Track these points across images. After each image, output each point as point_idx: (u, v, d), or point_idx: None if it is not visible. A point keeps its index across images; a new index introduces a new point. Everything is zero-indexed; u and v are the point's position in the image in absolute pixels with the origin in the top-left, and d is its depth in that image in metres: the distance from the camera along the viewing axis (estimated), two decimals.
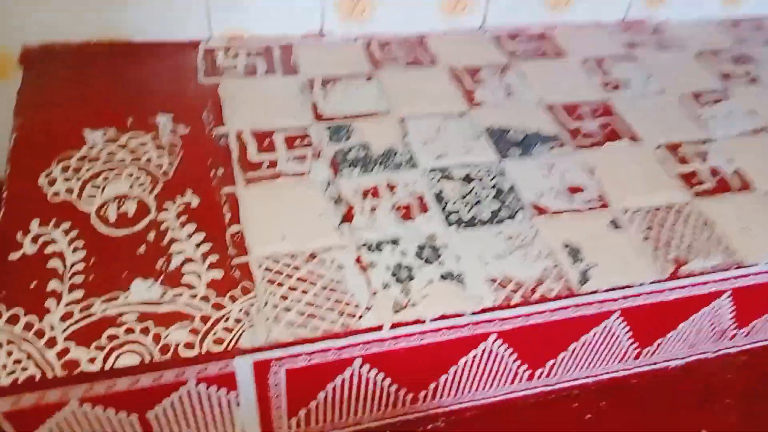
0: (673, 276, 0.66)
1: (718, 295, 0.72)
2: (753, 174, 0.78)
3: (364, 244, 0.64)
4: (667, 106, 0.88)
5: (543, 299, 0.62)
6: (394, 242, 0.65)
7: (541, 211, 0.70)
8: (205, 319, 0.55)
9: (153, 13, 0.84)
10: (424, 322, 0.59)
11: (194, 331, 0.54)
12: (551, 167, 0.76)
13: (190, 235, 0.62)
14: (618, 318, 0.69)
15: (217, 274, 0.59)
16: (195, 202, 0.66)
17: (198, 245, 0.61)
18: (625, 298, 0.66)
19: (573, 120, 0.83)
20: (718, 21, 1.08)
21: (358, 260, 0.63)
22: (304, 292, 0.59)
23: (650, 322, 0.72)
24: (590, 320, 0.67)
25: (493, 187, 0.73)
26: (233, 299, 0.57)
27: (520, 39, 0.97)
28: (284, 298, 0.58)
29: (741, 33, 1.06)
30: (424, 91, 0.85)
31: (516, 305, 0.62)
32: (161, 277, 0.58)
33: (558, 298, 0.63)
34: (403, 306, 0.59)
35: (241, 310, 0.57)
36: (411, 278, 0.62)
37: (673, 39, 1.02)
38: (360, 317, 0.58)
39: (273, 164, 0.71)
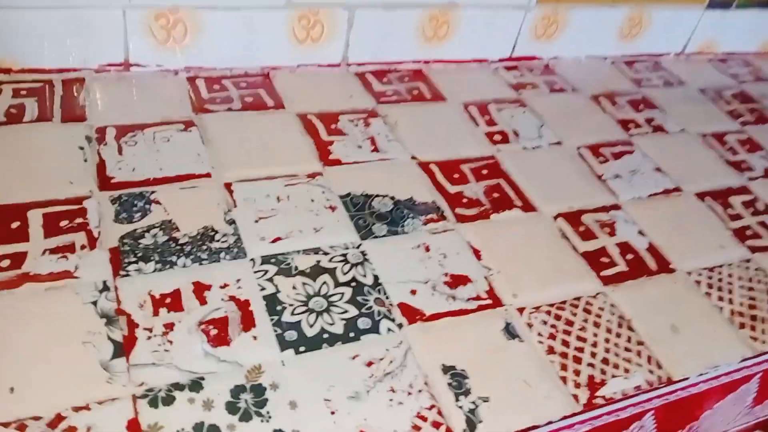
0: (589, 405, 0.49)
1: (639, 416, 0.55)
2: (669, 250, 0.64)
3: (146, 394, 0.42)
4: (564, 162, 0.72)
5: None
6: (195, 386, 0.43)
7: (413, 314, 0.51)
8: None
9: None
10: None
11: None
12: (427, 249, 0.57)
13: None
14: None
15: None
16: None
17: None
18: None
19: (453, 183, 0.65)
20: (612, 59, 0.96)
21: (131, 425, 0.40)
22: None
23: None
24: None
25: (351, 282, 0.53)
26: None
27: (389, 78, 0.79)
28: None
29: (638, 73, 0.94)
30: (264, 145, 0.64)
31: None
32: None
33: None
34: None
35: None
36: None
37: (565, 79, 0.88)
38: None
39: (19, 260, 0.48)
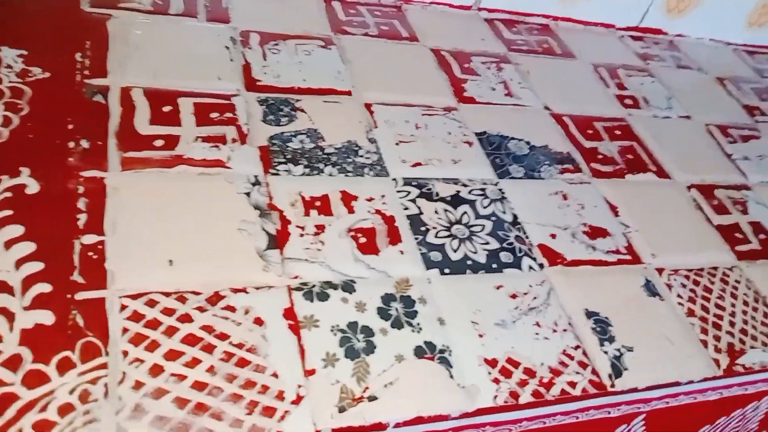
0: (729, 371, 0.47)
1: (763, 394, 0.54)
2: None
3: (301, 287, 0.41)
4: (694, 135, 0.70)
5: (564, 398, 0.41)
6: (348, 287, 0.42)
7: (553, 257, 0.50)
8: (6, 401, 0.31)
9: None
10: (386, 427, 0.37)
11: None
12: (564, 197, 0.56)
13: (9, 243, 0.37)
14: (641, 423, 0.49)
15: (44, 318, 0.34)
16: (33, 187, 0.40)
17: (20, 262, 0.36)
18: (663, 398, 0.46)
19: (587, 138, 0.63)
20: (734, 46, 0.92)
21: (288, 313, 0.40)
22: (193, 363, 0.35)
23: (673, 425, 0.53)
24: (607, 424, 0.47)
25: (491, 216, 0.51)
26: (64, 368, 0.33)
27: (518, 28, 0.77)
28: (155, 371, 0.34)
29: (760, 63, 0.91)
30: (401, 74, 0.62)
31: (527, 405, 0.40)
32: None
33: (585, 397, 0.42)
34: (355, 400, 0.37)
35: (74, 390, 0.32)
36: (370, 351, 0.39)
37: (690, 58, 0.85)
38: (283, 417, 0.35)
39: (172, 142, 0.47)
